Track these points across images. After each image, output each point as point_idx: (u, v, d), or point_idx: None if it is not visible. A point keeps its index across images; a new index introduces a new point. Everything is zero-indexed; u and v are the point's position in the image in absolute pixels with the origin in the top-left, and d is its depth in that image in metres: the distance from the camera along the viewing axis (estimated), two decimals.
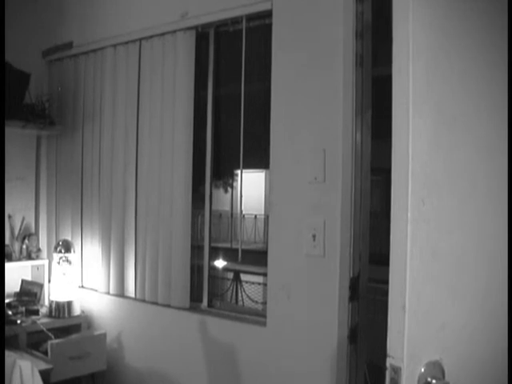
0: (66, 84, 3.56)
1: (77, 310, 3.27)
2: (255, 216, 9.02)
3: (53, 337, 2.95)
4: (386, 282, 1.10)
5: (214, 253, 3.07)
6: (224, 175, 3.38)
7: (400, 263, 1.07)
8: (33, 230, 3.61)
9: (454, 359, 1.14)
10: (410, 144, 1.06)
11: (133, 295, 3.14)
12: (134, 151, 3.15)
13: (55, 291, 3.25)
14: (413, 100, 1.06)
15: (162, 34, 3.00)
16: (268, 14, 2.57)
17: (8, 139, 3.14)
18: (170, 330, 2.96)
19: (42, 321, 3.12)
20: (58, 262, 3.26)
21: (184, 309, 2.91)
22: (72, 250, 3.29)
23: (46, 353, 2.85)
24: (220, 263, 3.27)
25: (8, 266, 3.23)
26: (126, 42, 3.19)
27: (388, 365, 1.07)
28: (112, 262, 3.22)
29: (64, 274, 3.24)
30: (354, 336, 2.29)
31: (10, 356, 2.45)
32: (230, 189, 5.67)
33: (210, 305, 2.94)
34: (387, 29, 1.18)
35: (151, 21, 3.06)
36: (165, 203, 2.97)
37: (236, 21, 2.79)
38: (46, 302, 3.37)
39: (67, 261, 3.26)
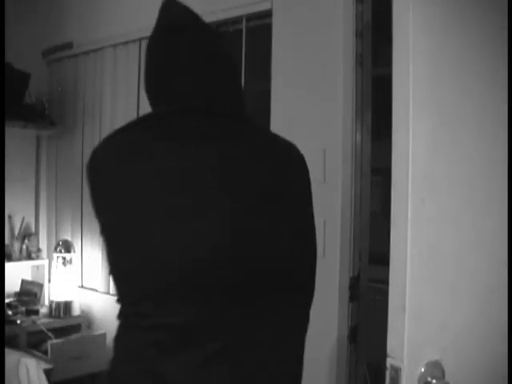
0: (66, 84, 3.56)
1: (77, 310, 3.27)
2: None
3: (53, 337, 2.95)
4: (386, 281, 1.10)
5: None
6: None
7: (400, 263, 1.07)
8: (33, 230, 3.61)
9: (454, 359, 1.14)
10: (410, 144, 1.06)
11: None
12: None
13: (55, 291, 3.25)
14: (413, 100, 1.06)
15: None
16: (268, 14, 2.57)
17: (8, 139, 3.14)
18: None
19: (42, 321, 3.12)
20: (58, 262, 3.26)
21: None
22: (72, 250, 3.29)
23: (46, 353, 2.85)
24: None
25: (8, 265, 3.23)
26: (126, 42, 3.19)
27: (388, 365, 1.07)
28: None
29: (64, 273, 3.25)
30: (353, 336, 2.29)
31: (13, 354, 2.45)
32: None
33: None
34: (387, 29, 1.18)
35: (151, 21, 3.04)
36: None
37: (236, 21, 2.79)
38: (46, 302, 3.37)
39: (67, 261, 3.26)
